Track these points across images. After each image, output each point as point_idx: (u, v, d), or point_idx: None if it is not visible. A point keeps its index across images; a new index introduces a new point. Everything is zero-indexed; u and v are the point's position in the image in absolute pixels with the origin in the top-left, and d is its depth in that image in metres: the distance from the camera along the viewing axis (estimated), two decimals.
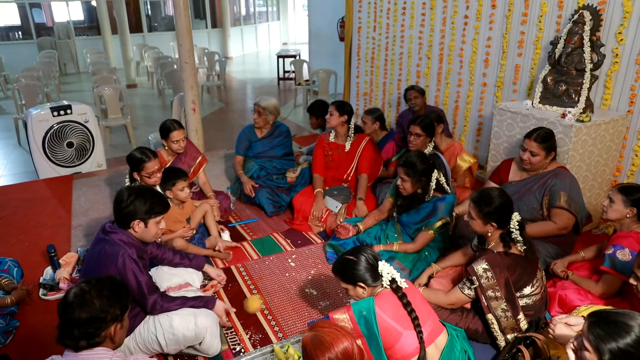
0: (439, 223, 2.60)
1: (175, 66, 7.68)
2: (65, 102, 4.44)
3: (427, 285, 2.44)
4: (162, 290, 2.26)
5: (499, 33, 3.83)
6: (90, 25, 12.92)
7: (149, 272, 2.25)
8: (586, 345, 1.31)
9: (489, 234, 2.09)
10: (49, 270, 2.80)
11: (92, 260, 1.99)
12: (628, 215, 2.23)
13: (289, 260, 2.98)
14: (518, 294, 2.03)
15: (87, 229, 3.44)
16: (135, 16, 12.49)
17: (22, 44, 11.60)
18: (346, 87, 5.93)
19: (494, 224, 2.05)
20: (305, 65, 7.76)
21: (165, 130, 3.16)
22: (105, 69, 7.74)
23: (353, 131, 3.44)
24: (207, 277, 2.65)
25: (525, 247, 2.04)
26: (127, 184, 2.77)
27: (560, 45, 3.08)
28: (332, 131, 3.49)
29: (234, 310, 2.39)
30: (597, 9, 2.95)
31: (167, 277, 2.40)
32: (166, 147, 3.24)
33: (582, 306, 2.06)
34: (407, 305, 1.72)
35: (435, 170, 2.65)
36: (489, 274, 1.97)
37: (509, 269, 1.99)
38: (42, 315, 2.46)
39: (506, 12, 3.71)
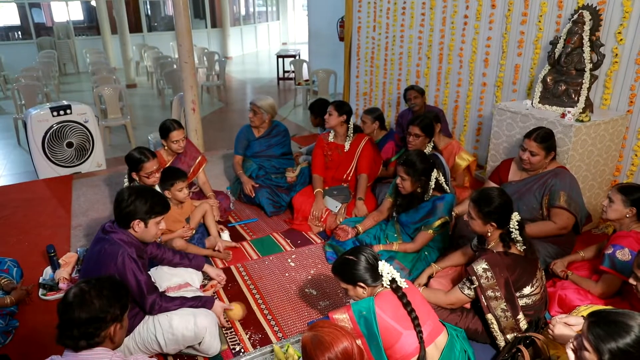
0: (438, 222, 2.60)
1: (174, 66, 7.68)
2: (65, 102, 4.44)
3: (426, 285, 2.44)
4: (161, 290, 2.26)
5: (498, 33, 3.83)
6: (90, 25, 12.92)
7: (149, 272, 2.25)
8: (586, 345, 1.31)
9: (489, 234, 2.09)
10: (48, 270, 2.80)
11: (91, 260, 1.99)
12: (628, 215, 2.23)
13: (289, 260, 2.97)
14: (518, 294, 2.03)
15: (87, 229, 3.44)
16: (135, 16, 12.48)
17: (22, 43, 11.60)
18: (346, 87, 5.93)
19: (493, 223, 2.05)
20: (305, 65, 7.76)
21: (165, 130, 3.16)
22: (105, 69, 7.73)
23: (352, 131, 3.44)
24: (207, 277, 2.65)
25: (525, 247, 2.04)
26: (125, 184, 2.77)
27: (559, 45, 3.08)
28: (332, 131, 3.49)
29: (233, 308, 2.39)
30: (597, 8, 2.95)
31: (166, 277, 2.40)
32: (166, 147, 3.24)
33: (582, 306, 2.06)
34: (407, 305, 1.72)
35: (435, 170, 2.65)
36: (489, 273, 1.97)
37: (508, 268, 1.99)
38: (41, 316, 2.46)
39: (506, 12, 3.72)
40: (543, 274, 2.20)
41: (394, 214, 2.88)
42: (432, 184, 2.65)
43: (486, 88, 4.05)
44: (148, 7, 13.32)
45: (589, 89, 2.97)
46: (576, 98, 3.01)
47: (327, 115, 3.39)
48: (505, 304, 1.98)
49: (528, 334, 1.94)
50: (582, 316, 1.76)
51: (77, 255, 2.91)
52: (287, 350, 2.01)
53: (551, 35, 3.40)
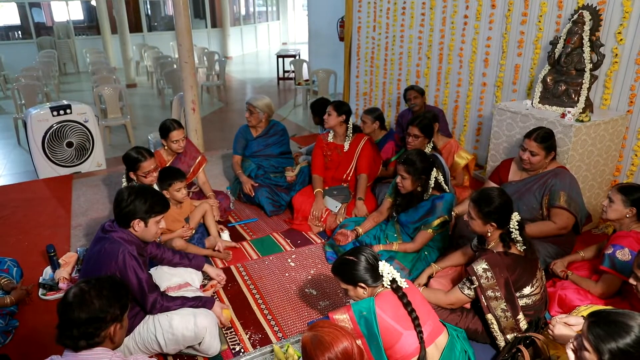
0: (437, 221, 2.60)
1: (174, 66, 7.68)
2: (65, 102, 4.44)
3: (426, 285, 2.44)
4: (161, 290, 2.26)
5: (498, 33, 3.83)
6: (90, 25, 12.92)
7: (149, 272, 2.25)
8: (586, 345, 1.31)
9: (489, 234, 2.09)
10: (48, 270, 2.80)
11: (92, 259, 1.99)
12: (628, 215, 2.23)
13: (289, 260, 2.97)
14: (518, 294, 2.03)
15: (87, 228, 3.44)
16: (135, 16, 12.48)
17: (22, 43, 11.60)
18: (346, 87, 5.93)
19: (493, 223, 2.05)
20: (305, 65, 7.76)
21: (165, 130, 3.16)
22: (105, 69, 7.73)
23: (351, 131, 3.44)
24: (207, 277, 2.65)
25: (525, 247, 2.04)
26: (124, 184, 2.77)
27: (559, 45, 3.08)
28: (331, 131, 3.49)
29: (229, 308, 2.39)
30: (597, 8, 2.95)
31: (166, 277, 2.40)
32: (166, 147, 3.24)
33: (582, 306, 2.06)
34: (407, 305, 1.72)
35: (434, 169, 2.66)
36: (489, 274, 1.97)
37: (508, 269, 1.99)
38: (41, 315, 2.46)
39: (506, 12, 3.71)
40: (543, 274, 2.20)
41: (394, 214, 2.88)
42: (432, 183, 2.65)
43: (486, 88, 4.05)
44: (148, 6, 13.32)
45: (589, 89, 2.97)
46: (576, 98, 3.01)
47: (326, 116, 3.39)
48: (505, 304, 1.98)
49: (528, 334, 1.94)
50: (582, 316, 1.76)
51: (77, 255, 2.91)
52: (287, 350, 2.01)
53: (551, 35, 3.40)
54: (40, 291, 2.64)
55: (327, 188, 3.44)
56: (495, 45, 3.89)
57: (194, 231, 2.96)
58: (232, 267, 2.90)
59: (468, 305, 2.19)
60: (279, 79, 9.78)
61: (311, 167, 3.53)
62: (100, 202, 3.91)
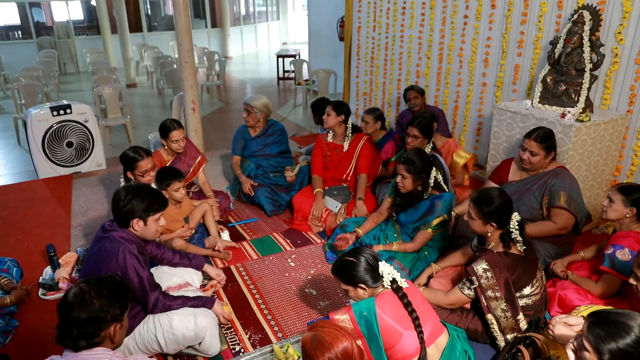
0: (436, 220, 2.60)
1: (174, 66, 7.68)
2: (65, 102, 4.44)
3: (426, 285, 2.44)
4: (162, 289, 2.25)
5: (498, 33, 3.83)
6: (90, 25, 12.91)
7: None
8: (586, 345, 1.31)
9: (489, 234, 2.09)
10: (48, 270, 2.80)
11: (92, 259, 1.98)
12: (628, 215, 2.23)
13: (289, 260, 2.97)
14: (518, 294, 2.03)
15: (87, 228, 3.44)
16: (135, 16, 12.48)
17: (22, 43, 11.60)
18: (346, 87, 5.93)
19: (493, 224, 2.05)
20: (305, 65, 7.76)
21: (165, 129, 3.16)
22: (105, 69, 7.73)
23: (351, 131, 3.44)
24: (207, 277, 2.65)
25: (525, 247, 2.04)
26: (122, 184, 2.77)
27: (559, 45, 3.08)
28: (330, 131, 3.49)
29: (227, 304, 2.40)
30: (597, 8, 2.95)
31: (166, 277, 2.40)
32: (166, 147, 3.24)
33: (582, 306, 2.06)
34: (407, 305, 1.72)
35: (434, 168, 2.66)
36: (489, 274, 1.97)
37: (508, 269, 1.99)
38: (41, 315, 2.46)
39: (506, 12, 3.71)
40: (543, 274, 2.20)
41: (393, 214, 2.88)
42: (432, 182, 2.66)
43: (486, 88, 4.05)
44: (148, 6, 13.32)
45: (589, 89, 2.97)
46: (576, 98, 3.01)
47: (325, 116, 3.39)
48: (505, 304, 1.98)
49: (528, 334, 1.94)
50: (582, 316, 1.76)
51: (77, 255, 2.91)
52: (287, 350, 2.01)
53: (551, 35, 3.39)
54: (40, 291, 2.64)
55: (327, 188, 3.44)
56: (495, 45, 3.89)
57: (193, 231, 2.96)
58: (232, 267, 2.89)
59: (468, 306, 2.19)
60: (279, 79, 9.78)
61: (311, 167, 3.53)
62: (100, 202, 3.91)
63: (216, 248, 2.96)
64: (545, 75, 3.17)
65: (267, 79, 10.45)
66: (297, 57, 8.76)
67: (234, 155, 3.82)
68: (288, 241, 3.22)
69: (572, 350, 1.40)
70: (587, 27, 2.94)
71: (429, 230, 2.62)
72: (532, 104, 3.26)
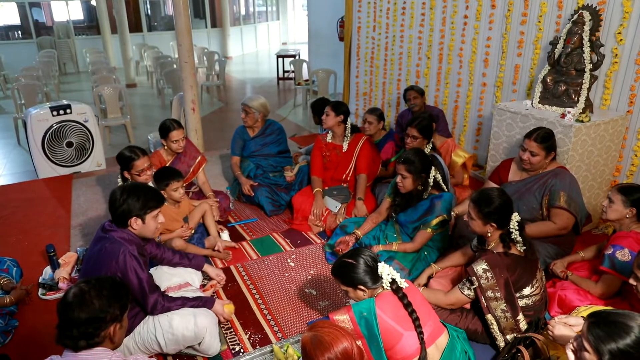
0: (436, 220, 2.60)
1: (174, 66, 7.67)
2: (65, 102, 4.44)
3: (426, 285, 2.44)
4: (161, 290, 2.26)
5: (498, 33, 3.83)
6: (90, 25, 12.91)
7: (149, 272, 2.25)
8: (586, 345, 1.31)
9: (489, 234, 2.09)
10: (48, 270, 2.80)
11: (92, 259, 1.98)
12: (627, 216, 2.23)
13: (289, 260, 2.97)
14: (518, 295, 2.03)
15: (87, 228, 3.44)
16: (135, 16, 12.48)
17: (22, 43, 11.60)
18: (346, 87, 5.93)
19: (493, 224, 2.05)
20: (304, 65, 7.76)
21: (165, 129, 3.16)
22: (105, 69, 7.73)
23: (350, 131, 3.45)
24: (207, 277, 2.65)
25: (525, 247, 2.04)
26: (119, 184, 2.77)
27: (559, 46, 3.08)
28: (329, 132, 3.49)
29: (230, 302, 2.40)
30: (597, 9, 2.95)
31: (166, 277, 2.40)
32: (165, 147, 3.24)
33: (582, 306, 2.06)
34: (407, 305, 1.72)
35: (433, 168, 2.66)
36: (489, 274, 1.97)
37: (508, 269, 1.99)
38: (41, 315, 2.46)
39: (506, 12, 3.71)
40: (543, 274, 2.20)
41: (393, 214, 2.89)
42: (432, 181, 2.66)
43: (486, 88, 4.05)
44: (148, 6, 13.32)
45: (589, 89, 2.97)
46: (576, 98, 3.01)
47: (325, 116, 3.40)
48: (505, 304, 1.98)
49: (528, 334, 1.94)
50: (582, 317, 1.76)
51: (77, 255, 2.91)
52: (286, 350, 2.01)
53: (551, 36, 3.39)
54: (40, 291, 2.64)
55: (326, 188, 3.44)
56: (495, 45, 3.89)
57: (193, 231, 2.96)
58: (232, 267, 2.89)
59: (468, 306, 2.19)
60: (278, 79, 9.78)
61: (310, 167, 3.53)
62: (100, 201, 3.91)
63: (216, 248, 2.96)
64: (545, 76, 3.17)
65: (267, 79, 10.45)
66: (297, 57, 8.76)
67: (233, 155, 3.82)
68: (288, 241, 3.22)
69: (572, 350, 1.40)
70: (587, 28, 2.94)
71: (429, 230, 2.62)
72: (532, 104, 3.26)
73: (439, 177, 2.71)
